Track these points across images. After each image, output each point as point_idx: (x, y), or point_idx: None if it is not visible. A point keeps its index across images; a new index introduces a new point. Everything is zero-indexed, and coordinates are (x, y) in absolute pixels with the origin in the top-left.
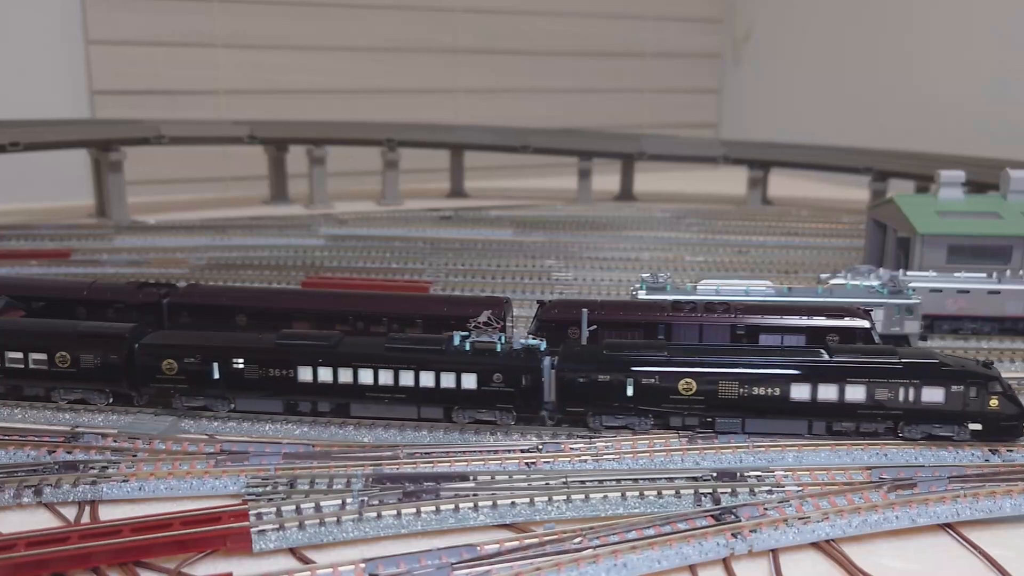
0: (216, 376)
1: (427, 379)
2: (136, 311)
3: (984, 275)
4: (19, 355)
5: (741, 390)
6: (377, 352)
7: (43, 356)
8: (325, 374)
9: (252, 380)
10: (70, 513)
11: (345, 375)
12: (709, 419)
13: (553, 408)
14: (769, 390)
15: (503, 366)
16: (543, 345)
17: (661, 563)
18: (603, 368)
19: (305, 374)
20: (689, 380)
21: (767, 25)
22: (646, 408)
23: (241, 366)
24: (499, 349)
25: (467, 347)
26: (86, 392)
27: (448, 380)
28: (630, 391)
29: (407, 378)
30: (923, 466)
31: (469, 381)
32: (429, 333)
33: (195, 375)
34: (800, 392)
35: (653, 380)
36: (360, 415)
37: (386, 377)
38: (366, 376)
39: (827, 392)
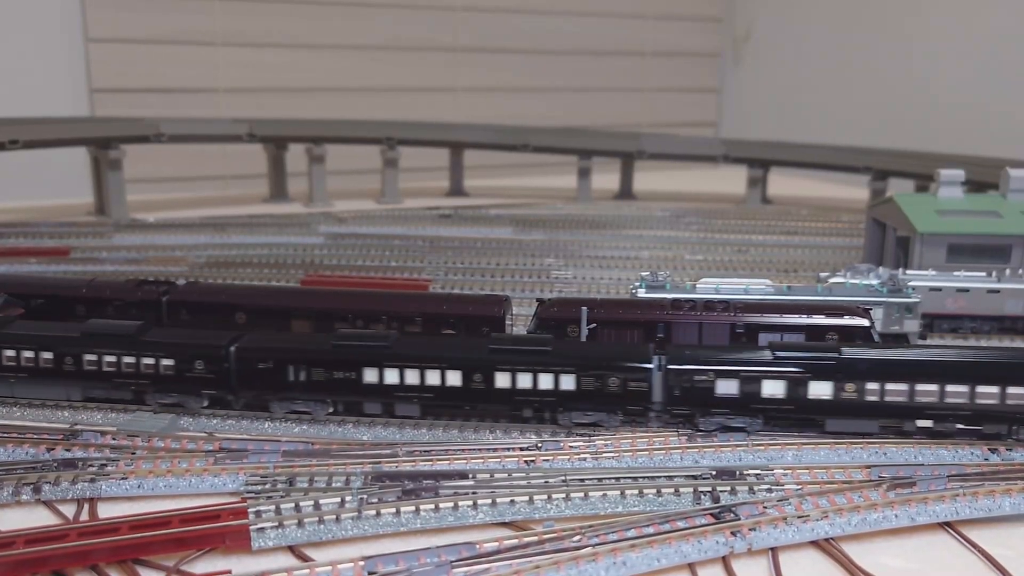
0: None
1: None
2: (135, 309)
3: (984, 274)
4: (780, 388)
5: None
6: None
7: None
8: None
9: None
10: (69, 511)
11: None
12: None
13: None
14: None
15: None
16: None
17: (660, 561)
18: None
19: None
20: None
21: (767, 24)
22: None
23: None
24: None
25: None
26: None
27: None
28: None
29: None
30: (922, 465)
31: None
32: (428, 332)
33: None
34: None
35: None
36: None
37: None
38: None
39: None
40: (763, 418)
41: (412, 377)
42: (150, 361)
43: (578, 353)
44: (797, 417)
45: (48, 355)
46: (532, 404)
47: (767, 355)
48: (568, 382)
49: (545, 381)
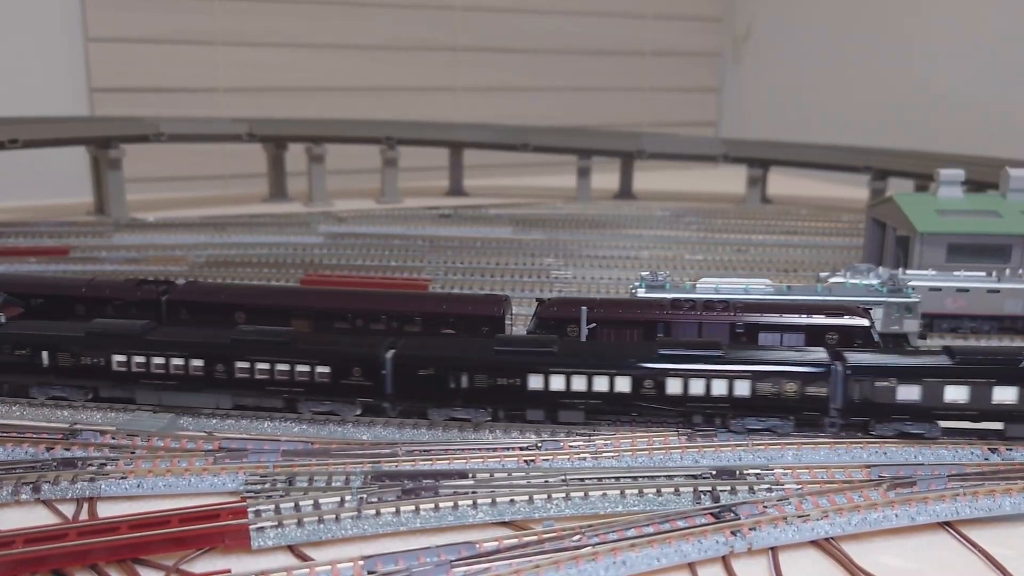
0: None
1: None
2: (135, 308)
3: (983, 274)
4: (963, 394)
5: None
6: None
7: None
8: None
9: None
10: (68, 510)
11: None
12: None
13: None
14: None
15: None
16: None
17: (660, 561)
18: None
19: None
20: None
21: (767, 24)
22: None
23: None
24: None
25: None
26: None
27: None
28: None
29: None
30: (923, 464)
31: None
32: (428, 331)
33: None
34: None
35: None
36: None
37: None
38: None
39: None
40: (941, 425)
41: (579, 383)
42: (304, 368)
43: (753, 359)
44: (978, 424)
45: (198, 363)
46: (704, 411)
47: (946, 360)
48: (743, 388)
49: (718, 387)
